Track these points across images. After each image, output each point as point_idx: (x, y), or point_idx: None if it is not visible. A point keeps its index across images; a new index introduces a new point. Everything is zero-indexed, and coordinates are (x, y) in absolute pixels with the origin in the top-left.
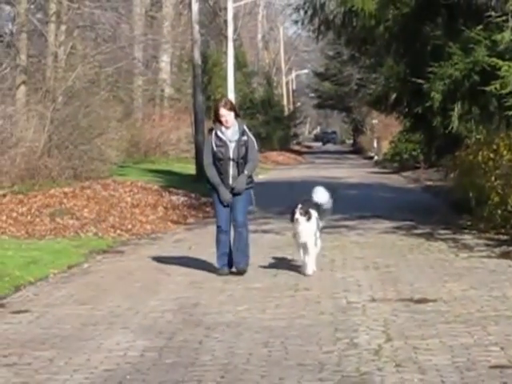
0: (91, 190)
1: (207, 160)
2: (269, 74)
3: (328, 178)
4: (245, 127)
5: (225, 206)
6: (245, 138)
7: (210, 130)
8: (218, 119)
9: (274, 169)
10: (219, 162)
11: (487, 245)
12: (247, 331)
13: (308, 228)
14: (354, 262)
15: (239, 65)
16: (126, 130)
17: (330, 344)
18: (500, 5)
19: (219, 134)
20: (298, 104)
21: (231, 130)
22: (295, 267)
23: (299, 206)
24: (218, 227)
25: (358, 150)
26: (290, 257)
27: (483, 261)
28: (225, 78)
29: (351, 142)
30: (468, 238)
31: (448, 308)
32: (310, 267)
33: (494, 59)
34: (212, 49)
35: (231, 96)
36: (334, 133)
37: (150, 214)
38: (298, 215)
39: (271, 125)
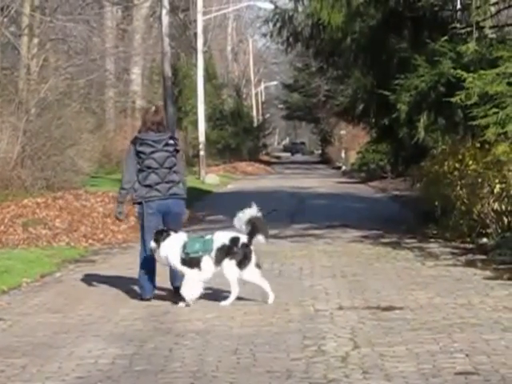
0: (63, 200)
1: None
2: (238, 85)
3: (296, 187)
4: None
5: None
6: None
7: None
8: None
9: (244, 179)
10: None
11: (453, 253)
12: (216, 339)
13: None
14: (322, 271)
15: (209, 77)
16: (98, 141)
17: (297, 351)
18: (465, 17)
19: None
20: (267, 115)
21: None
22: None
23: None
24: None
25: (326, 161)
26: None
27: (449, 269)
28: (195, 90)
29: (319, 152)
30: (434, 247)
31: (414, 316)
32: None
33: (459, 71)
34: (182, 61)
35: (201, 107)
36: (303, 143)
37: (122, 223)
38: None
39: (240, 136)
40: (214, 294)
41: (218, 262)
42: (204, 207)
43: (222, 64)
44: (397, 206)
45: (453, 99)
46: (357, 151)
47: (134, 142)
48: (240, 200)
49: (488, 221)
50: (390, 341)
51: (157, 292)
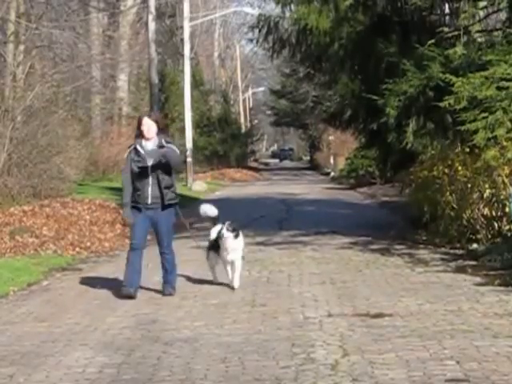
0: (50, 208)
1: (124, 176)
2: (226, 91)
3: (285, 194)
4: (163, 140)
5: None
6: (164, 149)
7: (129, 147)
8: (140, 132)
9: (232, 185)
10: (137, 177)
11: (443, 259)
12: (205, 347)
13: (237, 245)
14: (311, 278)
15: (196, 83)
16: (85, 149)
17: (286, 359)
18: (453, 21)
19: (138, 147)
20: (255, 121)
21: (151, 142)
22: (246, 282)
23: (227, 223)
24: (132, 244)
25: (314, 167)
26: (247, 273)
27: (439, 275)
28: (182, 96)
29: (308, 158)
30: (424, 253)
31: (404, 322)
32: (237, 281)
33: (448, 75)
34: (169, 67)
35: (188, 114)
36: (291, 149)
37: (108, 231)
38: (226, 232)
39: (228, 142)
40: (200, 301)
41: None
42: (191, 214)
43: (209, 70)
44: (386, 212)
45: (442, 104)
46: (345, 157)
47: None
48: (228, 207)
49: (478, 226)
50: (380, 348)
51: (146, 299)
